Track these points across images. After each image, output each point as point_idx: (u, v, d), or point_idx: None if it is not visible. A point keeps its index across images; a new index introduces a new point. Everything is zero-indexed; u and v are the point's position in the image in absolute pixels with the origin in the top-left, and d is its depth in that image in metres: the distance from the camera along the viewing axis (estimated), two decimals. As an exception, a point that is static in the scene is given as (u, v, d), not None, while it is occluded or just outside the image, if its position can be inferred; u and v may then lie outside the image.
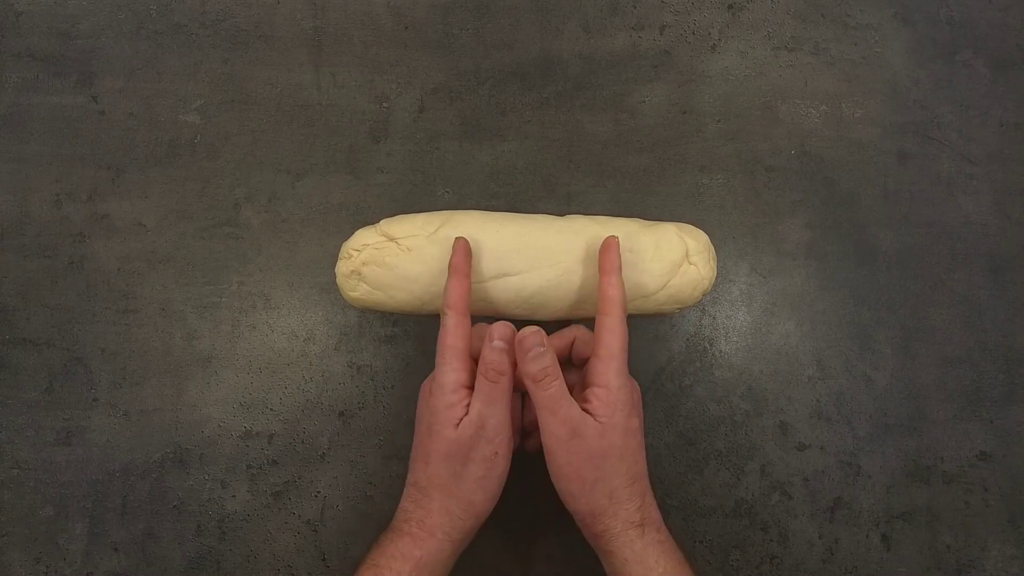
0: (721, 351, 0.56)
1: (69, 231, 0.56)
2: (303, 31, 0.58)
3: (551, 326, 0.54)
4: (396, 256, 0.48)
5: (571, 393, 0.43)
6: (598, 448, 0.42)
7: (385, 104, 0.57)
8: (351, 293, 0.49)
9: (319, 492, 0.53)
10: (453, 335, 0.44)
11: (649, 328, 0.56)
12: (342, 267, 0.49)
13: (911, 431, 0.55)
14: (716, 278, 0.51)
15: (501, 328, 0.44)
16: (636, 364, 0.55)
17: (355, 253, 0.49)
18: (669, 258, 0.48)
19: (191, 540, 0.52)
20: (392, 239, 0.49)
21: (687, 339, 0.56)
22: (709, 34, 0.59)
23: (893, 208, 0.57)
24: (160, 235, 0.56)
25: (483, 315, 0.51)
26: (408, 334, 0.55)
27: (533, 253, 0.49)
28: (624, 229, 0.50)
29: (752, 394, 0.55)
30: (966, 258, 0.57)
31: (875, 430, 0.55)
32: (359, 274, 0.49)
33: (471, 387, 0.44)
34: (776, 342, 0.56)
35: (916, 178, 0.58)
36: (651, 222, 0.51)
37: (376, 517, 0.53)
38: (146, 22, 0.58)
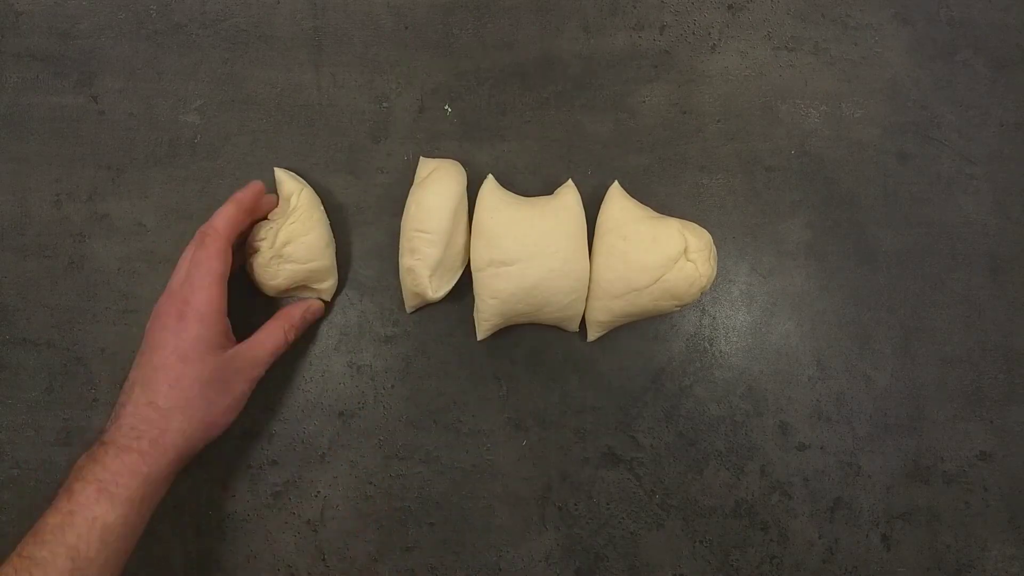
0: (721, 351, 0.56)
1: (69, 231, 0.56)
2: (303, 31, 0.58)
3: (560, 332, 0.54)
4: (307, 220, 0.51)
5: None
6: None
7: (385, 104, 0.57)
8: (271, 282, 0.51)
9: (319, 492, 0.53)
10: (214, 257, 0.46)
11: (649, 328, 0.56)
12: (259, 259, 0.50)
13: (911, 431, 0.55)
14: (716, 277, 0.51)
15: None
16: (636, 364, 0.55)
17: (262, 242, 0.50)
18: (666, 252, 0.48)
19: (191, 540, 0.52)
20: (292, 207, 0.51)
21: (687, 339, 0.56)
22: (709, 34, 0.59)
23: (893, 208, 0.57)
24: (160, 235, 0.56)
25: (489, 322, 0.51)
26: (408, 334, 0.55)
27: (533, 239, 0.48)
28: (633, 213, 0.50)
29: (752, 394, 0.55)
30: (966, 258, 0.57)
31: (875, 430, 0.55)
32: (280, 256, 0.50)
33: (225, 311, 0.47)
34: (776, 342, 0.56)
35: (916, 178, 0.58)
36: (659, 215, 0.51)
37: (376, 517, 0.53)
38: (146, 22, 0.58)
